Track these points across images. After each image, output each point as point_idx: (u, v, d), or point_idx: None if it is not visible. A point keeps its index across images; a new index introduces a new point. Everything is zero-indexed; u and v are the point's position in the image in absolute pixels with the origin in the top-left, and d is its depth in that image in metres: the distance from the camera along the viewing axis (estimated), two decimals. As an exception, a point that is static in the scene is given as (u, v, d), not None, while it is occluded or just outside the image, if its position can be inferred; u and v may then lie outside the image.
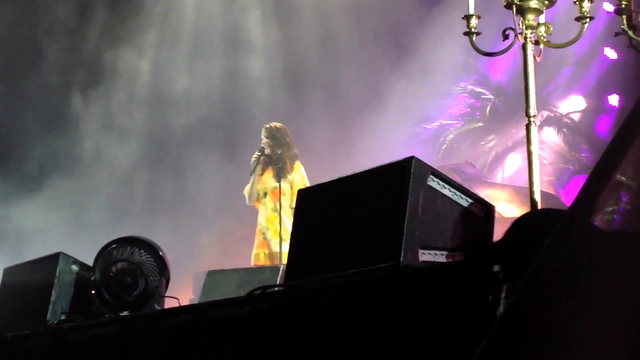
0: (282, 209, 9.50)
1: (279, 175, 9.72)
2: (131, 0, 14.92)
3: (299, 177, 9.63)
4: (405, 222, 3.75)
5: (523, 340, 2.10)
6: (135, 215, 14.84)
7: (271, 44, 15.38)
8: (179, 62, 15.26)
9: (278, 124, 9.89)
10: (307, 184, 9.58)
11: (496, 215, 4.26)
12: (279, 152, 9.59)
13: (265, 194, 9.65)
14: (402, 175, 3.86)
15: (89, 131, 14.92)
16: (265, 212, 9.65)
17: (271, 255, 9.57)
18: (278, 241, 9.49)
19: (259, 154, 9.70)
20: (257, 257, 9.66)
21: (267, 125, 9.83)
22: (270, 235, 9.58)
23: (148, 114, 15.29)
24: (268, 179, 9.68)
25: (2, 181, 14.03)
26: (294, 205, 9.38)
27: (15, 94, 14.58)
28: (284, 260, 9.68)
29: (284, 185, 9.53)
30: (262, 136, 9.76)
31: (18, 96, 14.58)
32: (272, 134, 9.70)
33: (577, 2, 5.59)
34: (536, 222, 3.10)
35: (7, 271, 6.59)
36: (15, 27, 14.41)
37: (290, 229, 9.42)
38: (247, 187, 9.76)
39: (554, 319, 2.14)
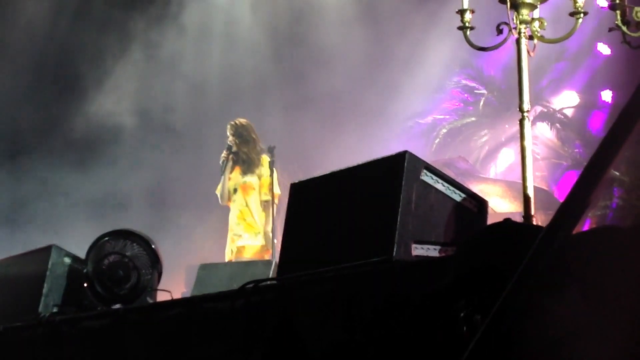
0: (263, 203, 9.56)
1: (271, 169, 9.75)
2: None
3: (266, 171, 9.64)
4: (399, 216, 3.75)
5: (504, 354, 2.10)
6: (128, 207, 14.83)
7: (261, 32, 15.38)
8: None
9: (243, 120, 9.90)
10: (275, 177, 9.63)
11: (489, 210, 4.27)
12: (245, 149, 9.63)
13: (235, 190, 9.68)
14: (395, 170, 3.85)
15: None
16: (235, 209, 9.67)
17: (239, 249, 9.58)
18: (249, 236, 9.51)
19: (227, 152, 9.73)
20: (229, 254, 9.68)
21: (232, 122, 9.84)
22: (241, 230, 9.57)
23: (137, 103, 15.28)
24: (237, 176, 9.73)
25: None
26: (263, 199, 9.47)
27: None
28: (273, 254, 9.73)
29: (253, 179, 9.57)
30: (228, 133, 9.79)
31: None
32: (238, 132, 9.74)
33: (571, -3, 5.59)
34: (486, 241, 3.13)
35: (-1, 263, 6.58)
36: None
37: (258, 224, 9.48)
38: (219, 187, 9.81)
39: (536, 329, 2.14)
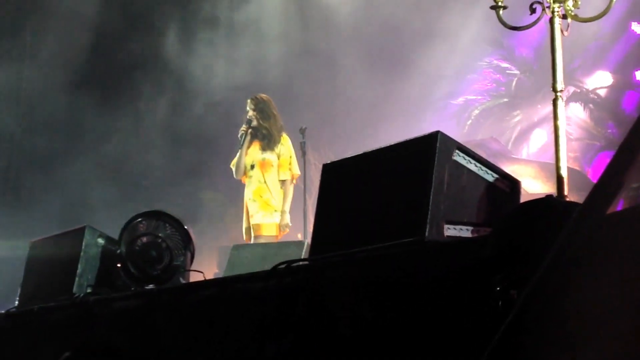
0: (280, 182, 9.45)
1: (303, 151, 9.73)
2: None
3: (286, 149, 9.50)
4: (431, 196, 3.73)
5: (539, 330, 2.10)
6: (159, 188, 14.91)
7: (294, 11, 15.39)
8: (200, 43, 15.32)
9: (264, 95, 9.72)
10: (294, 156, 9.54)
11: (521, 191, 4.24)
12: (267, 125, 9.52)
13: (252, 166, 9.51)
14: (427, 150, 3.84)
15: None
16: (252, 185, 9.50)
17: (254, 227, 9.40)
18: (264, 214, 9.36)
19: (247, 126, 9.56)
20: (247, 231, 9.51)
21: (252, 97, 9.68)
22: (256, 208, 9.42)
23: (170, 87, 15.33)
24: (255, 151, 9.53)
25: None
26: (281, 178, 9.35)
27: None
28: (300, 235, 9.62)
29: (272, 157, 9.46)
30: (248, 108, 9.61)
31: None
32: (259, 107, 9.57)
33: (605, -24, 5.53)
34: (528, 215, 3.11)
35: (34, 244, 6.63)
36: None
37: (275, 202, 9.35)
38: (235, 161, 9.61)
39: (571, 306, 2.13)
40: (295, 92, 14.50)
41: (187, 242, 5.83)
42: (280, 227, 9.34)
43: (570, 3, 5.56)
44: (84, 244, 5.95)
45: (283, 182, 9.39)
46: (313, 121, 12.35)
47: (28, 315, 5.93)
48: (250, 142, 9.55)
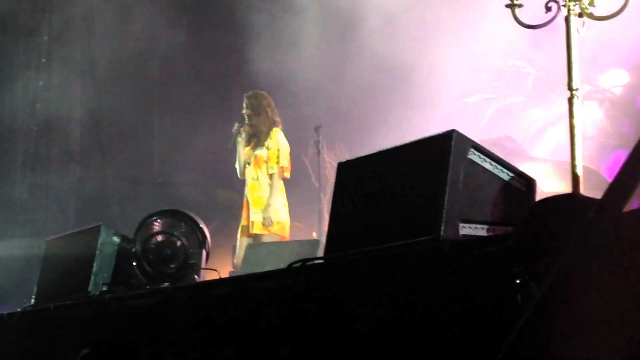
0: (269, 176, 9.28)
1: (318, 149, 9.70)
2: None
3: (274, 143, 9.32)
4: (446, 195, 3.72)
5: (555, 326, 2.10)
6: (175, 187, 14.93)
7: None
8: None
9: (258, 92, 9.62)
10: (283, 149, 9.34)
11: (537, 190, 4.23)
12: (255, 121, 9.37)
13: (249, 164, 9.40)
14: (442, 149, 3.83)
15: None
16: (247, 182, 9.39)
17: (250, 225, 9.22)
18: (255, 211, 9.19)
19: (239, 124, 9.48)
20: (243, 229, 9.37)
21: (247, 94, 9.59)
22: (249, 205, 9.27)
23: (189, 84, 15.33)
24: (250, 149, 9.46)
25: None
26: (269, 172, 9.21)
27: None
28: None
29: (263, 152, 9.32)
30: (243, 105, 9.53)
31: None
32: (250, 103, 9.47)
33: (621, -26, 5.52)
34: (552, 210, 3.10)
35: (50, 243, 6.66)
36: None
37: (266, 196, 9.19)
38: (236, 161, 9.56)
39: (586, 303, 2.13)
40: (310, 90, 14.49)
41: (202, 241, 5.84)
42: (264, 220, 9.17)
43: (585, 1, 5.55)
44: (99, 242, 5.97)
45: (271, 176, 9.24)
46: (328, 119, 12.34)
47: (44, 313, 5.95)
48: (249, 141, 9.48)
